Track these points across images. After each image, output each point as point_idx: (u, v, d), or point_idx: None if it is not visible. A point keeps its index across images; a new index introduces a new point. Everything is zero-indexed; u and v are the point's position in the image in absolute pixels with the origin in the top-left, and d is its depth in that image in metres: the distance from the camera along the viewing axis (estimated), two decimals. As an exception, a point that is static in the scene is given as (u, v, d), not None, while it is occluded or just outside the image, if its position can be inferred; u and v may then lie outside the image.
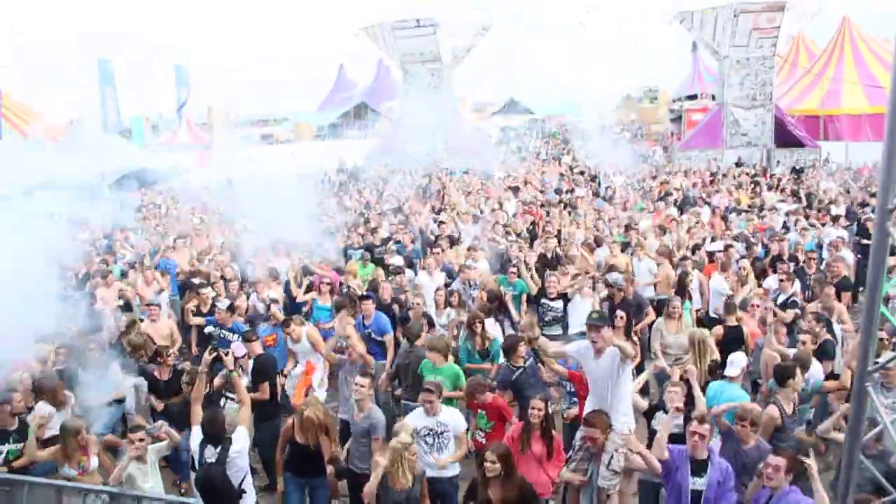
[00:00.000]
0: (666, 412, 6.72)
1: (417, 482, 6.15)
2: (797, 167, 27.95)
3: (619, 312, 9.43)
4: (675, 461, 5.95)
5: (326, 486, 7.10)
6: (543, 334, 8.16)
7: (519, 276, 11.14)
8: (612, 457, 6.17)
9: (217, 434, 6.32)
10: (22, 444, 7.11)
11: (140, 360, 9.08)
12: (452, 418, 6.94)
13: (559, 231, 14.44)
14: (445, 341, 8.45)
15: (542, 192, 21.85)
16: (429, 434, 6.79)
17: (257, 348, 8.62)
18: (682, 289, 10.84)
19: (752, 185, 21.24)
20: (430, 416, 6.80)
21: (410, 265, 13.02)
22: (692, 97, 51.06)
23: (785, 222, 15.38)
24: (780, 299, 10.54)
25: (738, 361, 7.56)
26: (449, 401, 7.51)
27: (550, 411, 6.92)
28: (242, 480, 6.39)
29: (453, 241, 14.25)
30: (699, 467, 5.90)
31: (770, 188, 20.69)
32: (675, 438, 6.40)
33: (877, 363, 2.97)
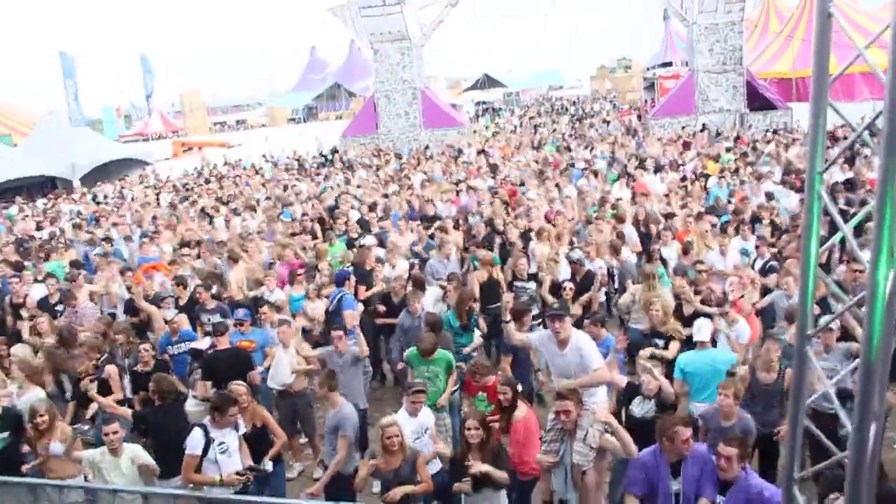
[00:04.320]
0: (644, 396, 6.68)
1: (409, 463, 6.12)
2: (770, 130, 28.09)
3: (566, 284, 9.66)
4: (650, 466, 5.60)
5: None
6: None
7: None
8: (587, 432, 6.12)
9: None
10: (7, 434, 7.09)
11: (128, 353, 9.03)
12: (428, 417, 6.93)
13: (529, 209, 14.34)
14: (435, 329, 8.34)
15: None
16: (414, 438, 6.62)
17: (224, 342, 8.38)
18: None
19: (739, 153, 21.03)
20: (414, 417, 6.73)
21: (381, 244, 12.99)
22: (665, 65, 51.22)
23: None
24: (758, 264, 10.57)
25: (704, 326, 7.52)
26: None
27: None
28: None
29: (432, 219, 14.25)
30: (675, 468, 5.55)
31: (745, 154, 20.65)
32: (649, 425, 6.26)
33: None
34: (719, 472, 5.32)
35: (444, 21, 35.09)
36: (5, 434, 7.08)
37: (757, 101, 31.41)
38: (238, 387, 7.00)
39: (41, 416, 6.91)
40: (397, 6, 32.56)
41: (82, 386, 8.01)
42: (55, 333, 9.72)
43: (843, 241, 3.09)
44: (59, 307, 11.18)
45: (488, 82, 75.64)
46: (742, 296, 8.97)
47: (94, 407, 7.97)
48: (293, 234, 13.99)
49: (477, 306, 9.84)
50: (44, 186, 31.69)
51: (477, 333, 9.40)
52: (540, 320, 9.19)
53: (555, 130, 35.40)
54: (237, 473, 6.40)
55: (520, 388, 6.81)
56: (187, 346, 9.10)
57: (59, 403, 8.48)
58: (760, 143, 22.67)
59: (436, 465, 6.62)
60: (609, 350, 7.45)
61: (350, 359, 7.93)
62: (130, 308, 10.76)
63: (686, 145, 24.60)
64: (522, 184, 18.35)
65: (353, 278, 10.48)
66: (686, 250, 10.86)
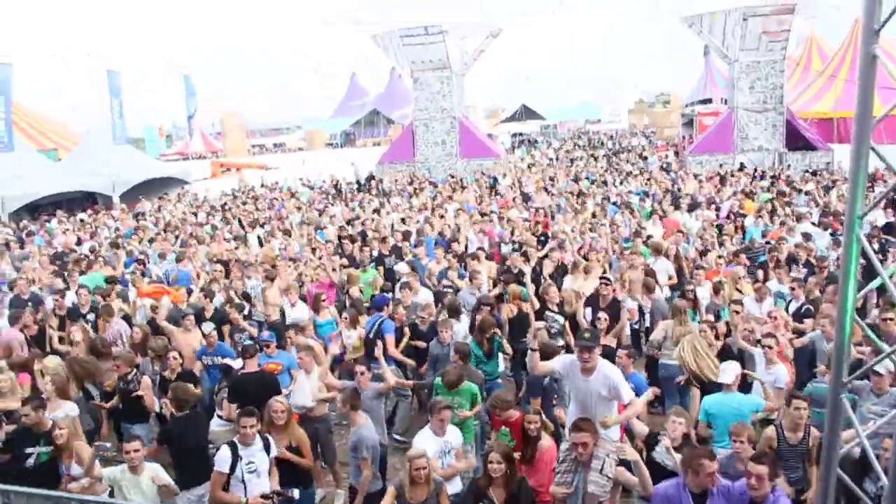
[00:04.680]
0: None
1: (433, 496, 6.06)
2: (809, 170, 27.73)
3: (600, 315, 9.55)
4: (674, 498, 5.47)
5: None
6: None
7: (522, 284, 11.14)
8: (603, 462, 6.02)
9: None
10: (51, 448, 7.09)
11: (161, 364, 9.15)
12: (454, 436, 6.87)
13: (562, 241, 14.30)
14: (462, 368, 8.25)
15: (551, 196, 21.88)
16: (439, 456, 6.64)
17: (252, 365, 8.45)
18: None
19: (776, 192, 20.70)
20: (440, 436, 6.71)
21: (413, 270, 13.03)
22: (705, 101, 51.02)
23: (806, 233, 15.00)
24: (793, 307, 10.30)
25: (730, 369, 7.36)
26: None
27: None
28: None
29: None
30: (700, 501, 5.46)
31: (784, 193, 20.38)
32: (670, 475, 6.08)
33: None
34: (750, 492, 5.24)
35: (484, 51, 35.38)
36: (46, 448, 7.11)
37: (797, 140, 31.09)
38: (278, 403, 7.05)
39: (60, 430, 6.98)
40: (439, 35, 32.88)
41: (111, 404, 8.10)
42: (87, 344, 9.87)
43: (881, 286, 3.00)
44: (90, 316, 11.38)
45: (526, 114, 75.87)
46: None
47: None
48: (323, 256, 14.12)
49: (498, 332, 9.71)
50: (84, 201, 32.29)
51: (501, 360, 9.33)
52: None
53: (591, 164, 35.30)
54: (263, 496, 6.38)
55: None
56: (221, 361, 9.19)
57: (83, 414, 8.56)
58: (798, 183, 22.41)
59: (456, 485, 6.62)
60: (634, 385, 7.30)
61: (371, 394, 7.83)
62: (153, 327, 10.85)
63: (723, 181, 24.37)
64: (552, 217, 18.30)
65: (391, 304, 10.47)
66: (717, 290, 10.73)
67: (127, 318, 11.33)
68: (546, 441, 6.66)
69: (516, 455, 6.45)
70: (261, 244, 17.11)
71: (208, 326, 10.13)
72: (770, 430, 6.72)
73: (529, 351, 6.86)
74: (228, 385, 8.34)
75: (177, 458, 7.22)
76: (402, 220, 18.69)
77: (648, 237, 14.46)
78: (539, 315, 10.51)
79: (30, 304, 11.99)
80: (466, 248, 14.90)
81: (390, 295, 11.18)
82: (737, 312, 9.36)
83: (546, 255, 13.27)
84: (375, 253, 14.47)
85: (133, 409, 8.49)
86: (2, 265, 15.42)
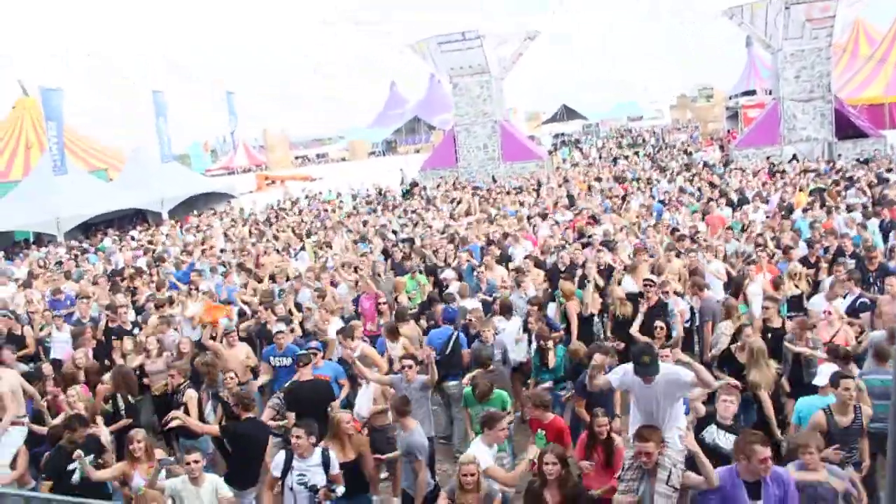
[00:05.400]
0: (718, 424, 6.50)
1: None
2: (860, 158, 27.08)
3: (658, 323, 9.33)
4: (727, 486, 5.46)
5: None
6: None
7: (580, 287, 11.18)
8: (670, 472, 5.85)
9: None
10: (92, 457, 7.27)
11: (212, 382, 9.23)
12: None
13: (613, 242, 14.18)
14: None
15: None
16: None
17: (307, 374, 8.54)
18: (737, 292, 10.65)
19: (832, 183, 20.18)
20: (491, 448, 6.70)
21: (460, 277, 13.06)
22: (748, 93, 50.15)
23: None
24: (848, 301, 9.94)
25: (825, 371, 7.12)
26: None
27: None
28: None
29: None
30: (754, 489, 5.40)
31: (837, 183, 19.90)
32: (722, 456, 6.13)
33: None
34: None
35: (523, 54, 35.30)
36: (90, 457, 7.28)
37: (847, 129, 30.35)
38: (343, 414, 7.18)
39: (138, 442, 7.14)
40: (477, 41, 32.93)
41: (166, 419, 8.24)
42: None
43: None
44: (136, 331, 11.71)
45: (567, 114, 75.44)
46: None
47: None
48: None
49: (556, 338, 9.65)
50: (133, 219, 33.05)
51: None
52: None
53: (635, 163, 34.93)
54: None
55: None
56: (289, 361, 9.37)
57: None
58: (851, 171, 21.90)
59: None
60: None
61: (418, 386, 7.95)
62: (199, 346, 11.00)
63: (772, 175, 23.90)
64: (596, 220, 18.13)
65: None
66: (777, 285, 10.50)
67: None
68: (620, 441, 6.74)
69: (587, 463, 6.59)
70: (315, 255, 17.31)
71: (279, 326, 10.41)
72: (819, 415, 6.56)
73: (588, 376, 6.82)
74: (284, 393, 8.46)
75: (239, 460, 7.38)
76: (446, 227, 18.73)
77: (697, 233, 14.29)
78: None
79: (91, 322, 12.30)
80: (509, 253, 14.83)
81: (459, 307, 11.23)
82: (766, 308, 9.21)
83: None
84: (423, 260, 14.53)
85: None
86: (65, 286, 15.80)
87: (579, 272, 11.94)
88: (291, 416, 8.03)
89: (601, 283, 11.52)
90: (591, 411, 7.65)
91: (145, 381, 10.13)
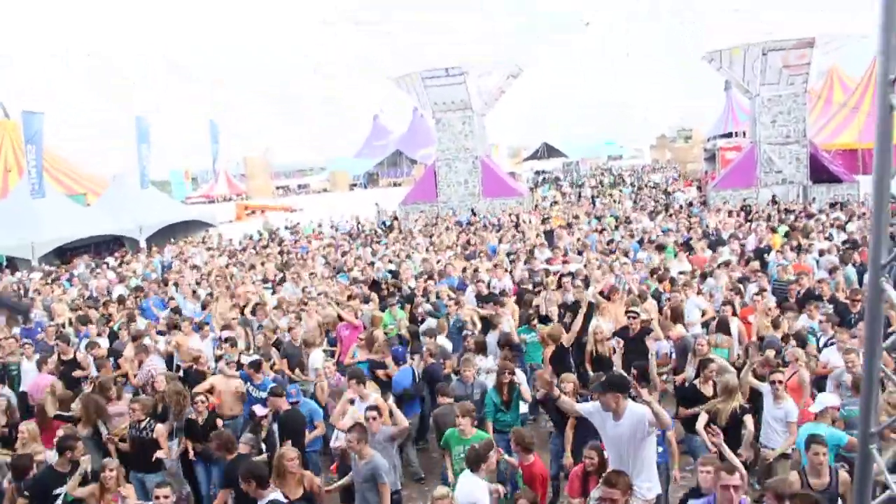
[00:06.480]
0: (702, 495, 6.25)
1: None
2: (833, 202, 27.50)
3: (634, 369, 9.13)
4: None
5: None
6: None
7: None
8: None
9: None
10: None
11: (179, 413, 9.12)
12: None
13: (586, 277, 14.23)
14: (471, 406, 8.09)
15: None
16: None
17: (283, 404, 8.62)
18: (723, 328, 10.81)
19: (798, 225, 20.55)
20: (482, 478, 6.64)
21: (436, 310, 13.12)
22: (727, 135, 50.91)
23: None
24: (822, 341, 10.21)
25: (824, 399, 7.42)
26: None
27: None
28: None
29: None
30: None
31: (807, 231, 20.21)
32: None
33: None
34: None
35: (505, 91, 35.65)
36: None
37: (821, 173, 30.86)
38: (287, 450, 7.03)
39: (110, 471, 7.10)
40: (460, 77, 33.21)
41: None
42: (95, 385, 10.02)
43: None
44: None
45: (548, 151, 76.16)
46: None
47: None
48: (349, 298, 14.15)
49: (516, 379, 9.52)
50: (111, 245, 32.77)
51: (523, 406, 9.27)
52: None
53: (615, 202, 35.20)
54: None
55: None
56: (261, 396, 9.32)
57: (94, 452, 8.49)
58: (820, 216, 22.24)
59: None
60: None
61: (382, 438, 7.66)
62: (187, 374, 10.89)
63: (747, 217, 24.21)
64: (580, 253, 18.27)
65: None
66: (776, 325, 10.63)
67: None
68: None
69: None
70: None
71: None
72: (794, 476, 6.52)
73: (560, 398, 6.84)
74: (282, 420, 8.52)
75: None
76: (424, 261, 18.75)
77: (680, 273, 14.39)
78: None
79: (57, 342, 12.09)
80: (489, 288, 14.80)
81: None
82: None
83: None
84: (399, 293, 14.53)
85: (146, 458, 8.41)
86: (36, 311, 15.64)
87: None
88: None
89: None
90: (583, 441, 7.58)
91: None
